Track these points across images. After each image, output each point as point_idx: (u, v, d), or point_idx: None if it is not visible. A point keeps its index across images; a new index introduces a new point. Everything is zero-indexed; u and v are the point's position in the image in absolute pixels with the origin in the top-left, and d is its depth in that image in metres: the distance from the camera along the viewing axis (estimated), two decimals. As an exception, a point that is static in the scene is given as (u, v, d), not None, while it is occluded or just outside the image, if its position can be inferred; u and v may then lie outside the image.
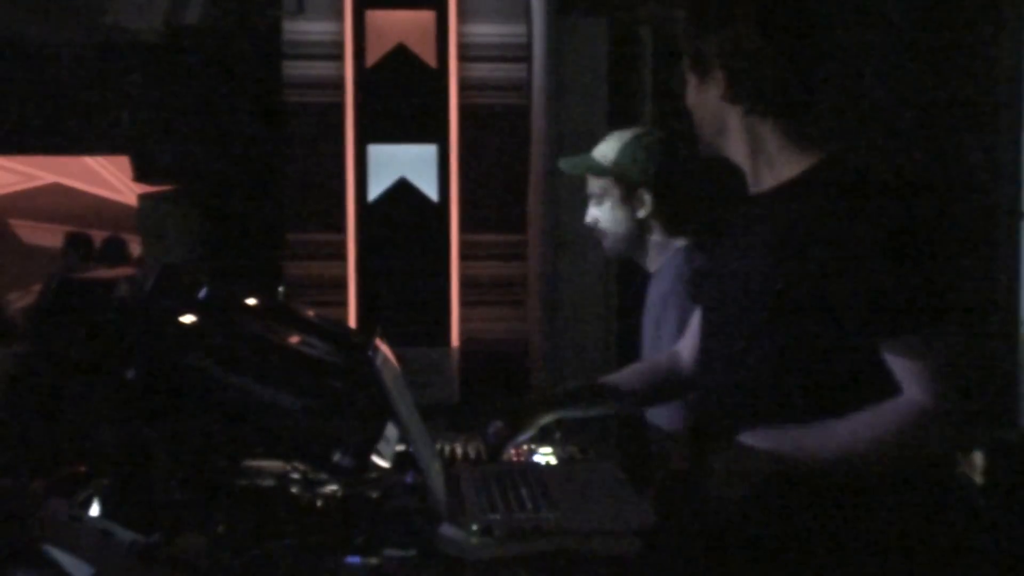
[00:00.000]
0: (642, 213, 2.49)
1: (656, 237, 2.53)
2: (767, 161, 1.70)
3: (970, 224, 4.57)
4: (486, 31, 4.96)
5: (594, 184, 2.54)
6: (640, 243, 2.54)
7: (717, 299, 1.77)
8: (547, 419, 2.19)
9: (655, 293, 2.53)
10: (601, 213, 2.54)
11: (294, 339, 2.07)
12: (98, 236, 7.43)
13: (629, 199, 2.50)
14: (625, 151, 2.49)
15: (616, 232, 2.53)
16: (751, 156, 1.71)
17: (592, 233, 2.60)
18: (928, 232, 1.54)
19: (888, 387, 1.55)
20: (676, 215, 2.52)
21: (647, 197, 2.48)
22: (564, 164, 2.67)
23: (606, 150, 2.52)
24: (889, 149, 4.64)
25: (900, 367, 1.54)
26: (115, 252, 7.20)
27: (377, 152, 4.92)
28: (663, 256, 2.54)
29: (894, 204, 1.55)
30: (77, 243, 7.08)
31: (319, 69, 4.93)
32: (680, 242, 2.53)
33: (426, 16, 4.92)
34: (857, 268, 1.53)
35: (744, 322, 1.65)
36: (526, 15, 4.92)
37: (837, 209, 1.55)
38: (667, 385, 2.18)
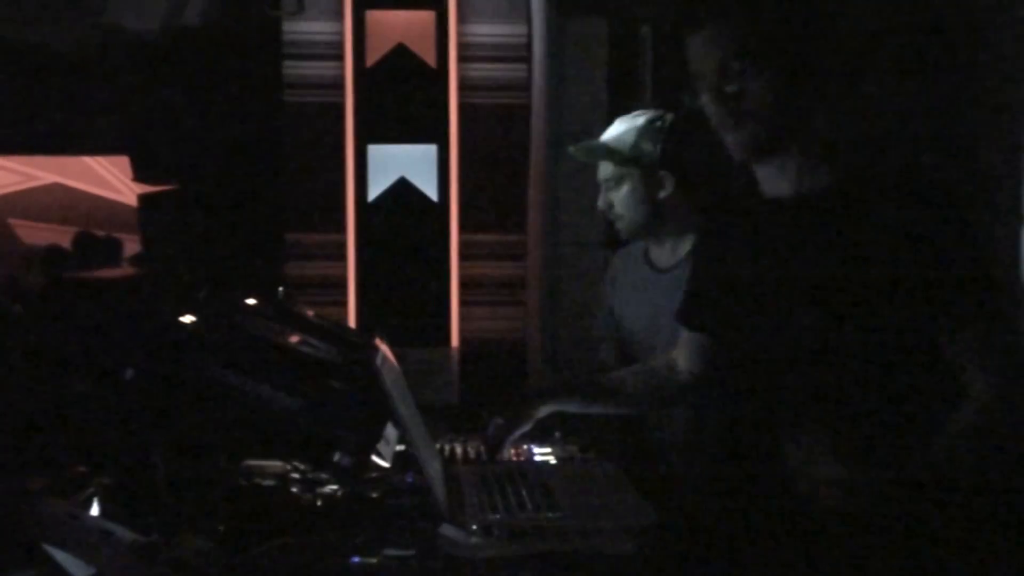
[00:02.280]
0: (663, 193, 2.49)
1: (671, 227, 2.52)
2: (799, 167, 1.68)
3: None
4: (486, 31, 4.96)
5: (609, 169, 2.53)
6: (656, 228, 2.53)
7: (748, 305, 1.75)
8: (544, 411, 2.17)
9: (672, 293, 2.51)
10: (617, 197, 2.52)
11: (294, 339, 2.07)
12: (98, 236, 7.42)
13: (649, 180, 2.49)
14: (643, 134, 2.49)
15: (634, 215, 2.53)
16: (794, 159, 1.68)
17: (606, 216, 2.60)
18: (971, 230, 1.58)
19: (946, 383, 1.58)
20: (696, 194, 2.50)
21: (668, 178, 2.48)
22: (578, 152, 2.64)
23: (622, 135, 2.51)
24: (894, 150, 4.64)
25: (963, 361, 1.56)
26: (115, 252, 7.19)
27: (377, 152, 4.92)
28: (677, 252, 2.53)
29: (937, 207, 1.58)
30: (77, 243, 7.06)
31: (319, 69, 4.93)
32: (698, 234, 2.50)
33: (426, 16, 4.91)
34: (920, 268, 1.56)
35: (794, 326, 1.64)
36: (526, 15, 4.92)
37: (890, 217, 1.58)
38: (664, 391, 2.17)
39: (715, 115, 1.66)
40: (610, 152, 2.53)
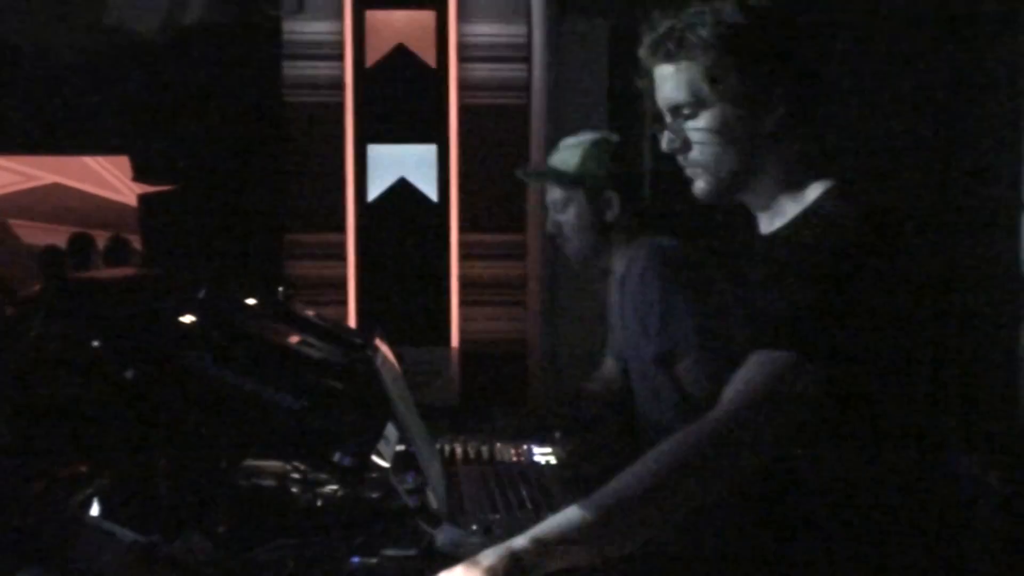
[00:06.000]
0: (610, 216, 2.50)
1: (620, 239, 2.54)
2: (786, 199, 1.59)
3: (972, 219, 4.59)
4: (486, 31, 4.96)
5: (556, 192, 2.55)
6: (605, 246, 2.55)
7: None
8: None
9: (629, 294, 2.52)
10: (565, 219, 2.54)
11: (294, 339, 2.06)
12: (98, 236, 7.42)
13: (596, 203, 2.50)
14: (588, 156, 2.50)
15: (582, 237, 2.53)
16: (776, 193, 1.59)
17: (554, 240, 2.61)
18: (841, 265, 1.46)
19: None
20: (643, 214, 2.53)
21: (615, 199, 2.49)
22: (526, 176, 2.67)
23: (567, 157, 2.53)
24: (890, 152, 4.65)
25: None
26: (115, 252, 7.19)
27: (377, 152, 4.92)
28: (627, 256, 2.54)
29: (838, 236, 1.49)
30: (77, 243, 7.07)
31: (319, 69, 4.93)
32: (643, 240, 2.53)
33: (426, 16, 4.92)
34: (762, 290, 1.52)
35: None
36: (526, 15, 4.92)
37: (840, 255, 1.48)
38: None
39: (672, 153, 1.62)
40: (556, 175, 2.54)
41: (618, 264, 2.57)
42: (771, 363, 1.43)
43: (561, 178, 2.52)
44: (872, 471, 1.52)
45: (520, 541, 1.34)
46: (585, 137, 2.55)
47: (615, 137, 2.55)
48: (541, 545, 1.34)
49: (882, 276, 1.47)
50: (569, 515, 1.39)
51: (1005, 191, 4.55)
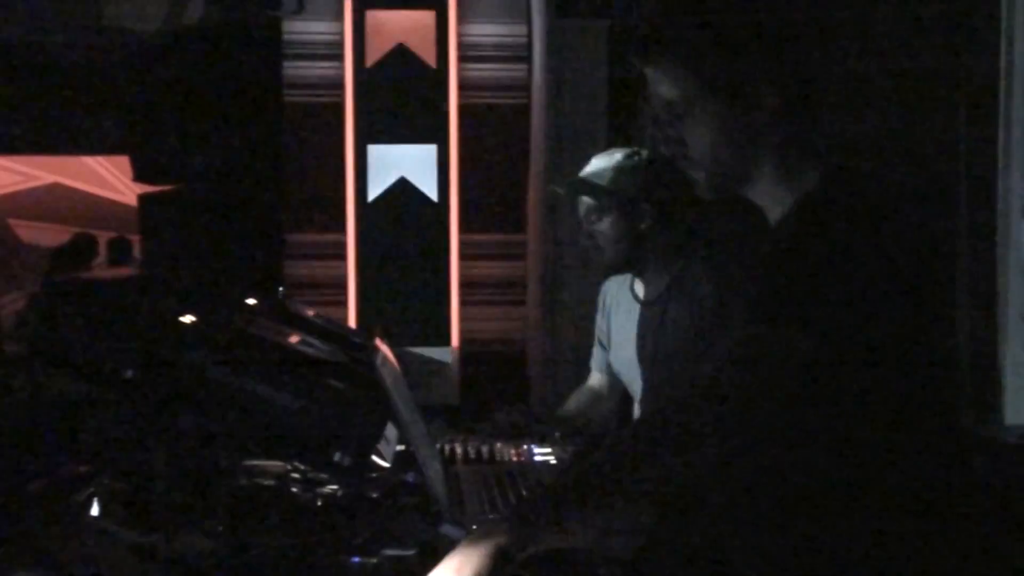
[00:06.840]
0: (644, 226, 2.53)
1: (653, 261, 2.56)
2: (784, 189, 1.58)
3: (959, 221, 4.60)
4: (486, 31, 4.96)
5: (590, 203, 2.58)
6: (639, 258, 2.56)
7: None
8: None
9: (656, 327, 2.52)
10: (599, 231, 2.57)
11: (294, 339, 2.07)
12: (98, 236, 7.42)
13: (629, 213, 2.53)
14: (620, 168, 2.55)
15: (617, 248, 2.56)
16: (775, 184, 1.58)
17: (588, 249, 2.63)
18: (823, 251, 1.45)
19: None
20: (675, 227, 2.55)
21: (648, 210, 2.52)
22: (560, 188, 2.73)
23: (601, 169, 2.57)
24: (882, 142, 4.65)
25: None
26: (116, 252, 7.19)
27: (377, 152, 4.92)
28: (659, 286, 2.55)
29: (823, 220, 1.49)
30: (78, 243, 7.07)
31: (319, 69, 4.93)
32: (678, 266, 2.53)
33: (426, 16, 4.92)
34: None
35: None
36: (526, 15, 4.92)
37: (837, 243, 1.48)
38: None
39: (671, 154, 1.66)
40: (590, 186, 2.58)
41: (649, 289, 2.58)
42: (753, 333, 1.44)
43: (595, 189, 2.55)
44: (860, 451, 1.49)
45: (502, 532, 1.34)
46: (616, 151, 2.61)
47: (645, 152, 2.59)
48: (522, 533, 1.34)
49: (867, 258, 1.45)
50: (548, 494, 1.40)
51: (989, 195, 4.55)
